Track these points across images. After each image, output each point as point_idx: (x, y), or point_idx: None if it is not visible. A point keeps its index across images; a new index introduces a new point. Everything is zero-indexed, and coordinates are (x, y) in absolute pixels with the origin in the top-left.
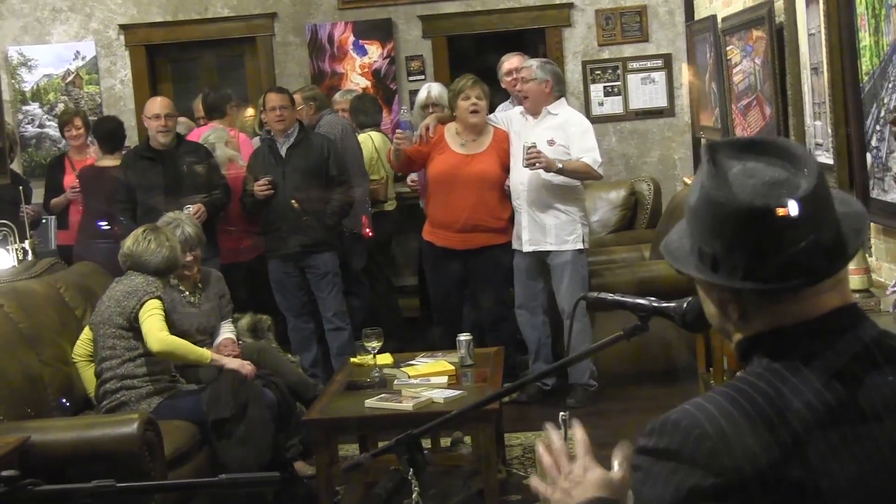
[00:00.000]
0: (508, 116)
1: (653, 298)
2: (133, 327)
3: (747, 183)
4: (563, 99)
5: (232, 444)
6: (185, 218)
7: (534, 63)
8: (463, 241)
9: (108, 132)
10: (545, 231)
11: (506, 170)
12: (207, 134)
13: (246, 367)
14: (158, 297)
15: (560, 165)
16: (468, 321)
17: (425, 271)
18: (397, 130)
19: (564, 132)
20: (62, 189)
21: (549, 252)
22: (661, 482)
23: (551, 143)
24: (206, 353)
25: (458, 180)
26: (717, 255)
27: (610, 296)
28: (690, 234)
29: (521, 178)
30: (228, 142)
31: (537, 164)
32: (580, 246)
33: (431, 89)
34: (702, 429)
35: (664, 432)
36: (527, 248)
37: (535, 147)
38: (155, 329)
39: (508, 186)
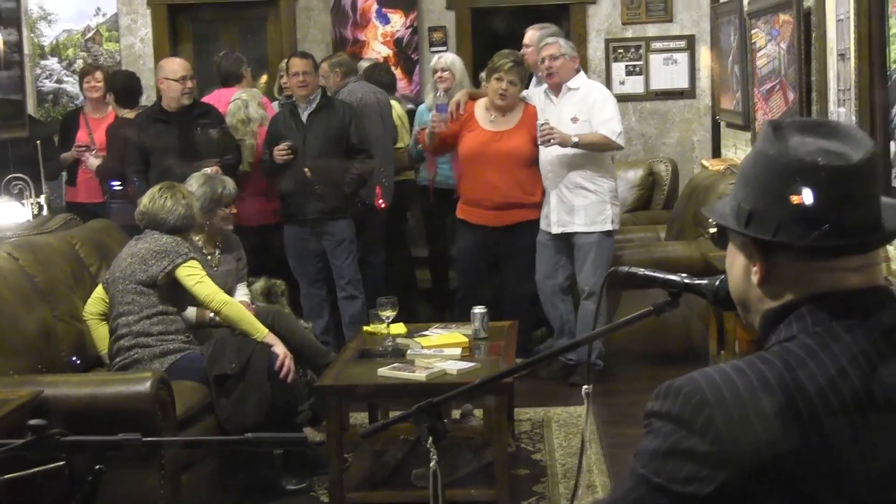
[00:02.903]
0: (531, 96)
1: (684, 275)
2: (157, 285)
3: (802, 146)
4: (580, 71)
5: (230, 403)
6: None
7: (560, 39)
8: (497, 219)
9: (125, 86)
10: (573, 212)
11: (537, 145)
12: (240, 93)
13: (289, 363)
14: (194, 258)
15: (576, 140)
16: (487, 296)
17: (458, 247)
18: (433, 113)
19: (586, 105)
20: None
21: (575, 233)
22: (659, 440)
23: (575, 120)
24: (263, 329)
25: (489, 158)
26: (753, 211)
27: (641, 270)
28: (734, 194)
29: (548, 159)
30: (260, 103)
31: (551, 141)
32: (608, 227)
33: (443, 57)
34: (702, 396)
35: (667, 396)
36: (555, 230)
37: (547, 124)
38: (214, 292)
39: None
